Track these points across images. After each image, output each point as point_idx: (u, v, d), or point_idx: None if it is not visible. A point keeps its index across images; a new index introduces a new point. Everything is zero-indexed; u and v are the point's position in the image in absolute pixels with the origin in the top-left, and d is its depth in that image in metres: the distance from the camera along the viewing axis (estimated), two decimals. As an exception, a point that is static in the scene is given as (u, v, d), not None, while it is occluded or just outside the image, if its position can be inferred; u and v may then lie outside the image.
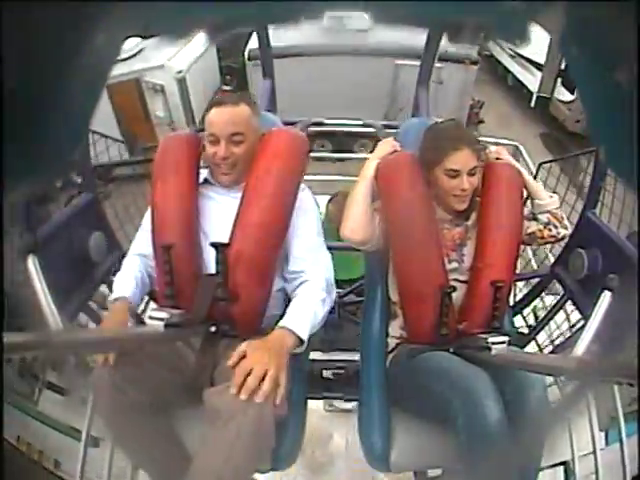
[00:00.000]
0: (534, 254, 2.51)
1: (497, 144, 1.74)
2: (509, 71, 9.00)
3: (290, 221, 1.12)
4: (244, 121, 1.10)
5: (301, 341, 1.00)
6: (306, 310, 1.05)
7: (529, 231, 1.24)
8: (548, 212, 1.23)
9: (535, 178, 2.49)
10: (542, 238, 1.25)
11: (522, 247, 1.33)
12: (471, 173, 1.13)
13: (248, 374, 0.86)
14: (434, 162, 1.15)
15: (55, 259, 1.36)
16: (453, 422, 0.95)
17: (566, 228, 1.26)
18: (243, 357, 0.90)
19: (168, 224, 1.11)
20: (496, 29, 0.24)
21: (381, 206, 1.21)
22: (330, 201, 2.24)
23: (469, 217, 1.23)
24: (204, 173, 1.19)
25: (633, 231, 1.58)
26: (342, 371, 1.93)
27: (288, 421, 1.02)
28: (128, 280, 1.13)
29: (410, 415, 1.15)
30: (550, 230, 1.23)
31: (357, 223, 1.17)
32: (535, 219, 1.25)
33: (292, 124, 1.75)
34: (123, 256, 1.68)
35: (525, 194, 1.26)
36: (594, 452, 1.36)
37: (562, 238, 1.30)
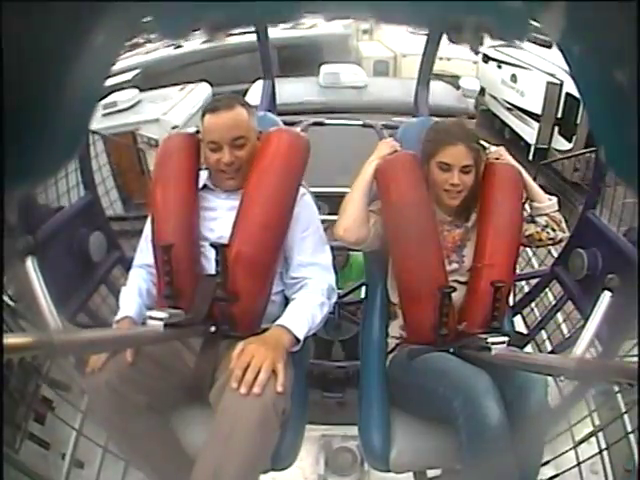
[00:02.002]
0: (534, 254, 2.52)
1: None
2: (506, 124, 8.89)
3: (290, 222, 1.12)
4: (243, 124, 1.09)
5: (297, 340, 1.01)
6: (304, 311, 1.06)
7: (527, 233, 1.24)
8: (546, 215, 1.23)
9: (535, 180, 2.49)
10: (540, 240, 1.25)
11: (521, 247, 1.33)
12: (464, 171, 1.13)
13: (246, 368, 0.88)
14: (430, 154, 1.16)
15: (55, 259, 1.36)
16: (453, 422, 0.95)
17: (564, 231, 1.26)
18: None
19: (168, 224, 1.11)
20: (496, 29, 0.24)
21: (381, 206, 1.21)
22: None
23: (469, 218, 1.23)
24: (203, 177, 1.18)
25: (631, 227, 1.58)
26: (342, 371, 1.93)
27: (288, 421, 1.02)
28: (132, 296, 1.13)
29: (410, 415, 1.15)
30: (548, 233, 1.23)
31: (351, 223, 1.17)
32: (533, 221, 1.25)
33: (292, 124, 1.75)
34: (123, 256, 1.69)
35: (524, 196, 1.26)
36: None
37: (560, 241, 1.30)
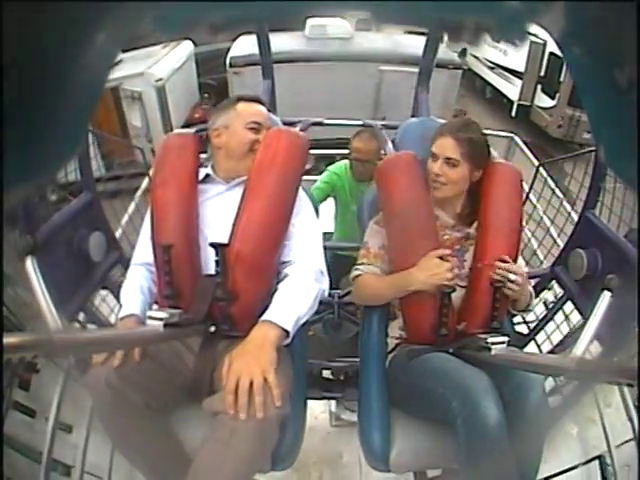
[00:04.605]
0: (534, 254, 2.51)
1: (492, 135, 1.75)
2: (488, 83, 8.91)
3: (290, 222, 1.12)
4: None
5: (286, 332, 0.99)
6: (288, 300, 1.04)
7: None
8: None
9: (534, 180, 2.50)
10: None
11: (521, 247, 1.33)
12: (448, 163, 1.14)
13: (237, 389, 0.87)
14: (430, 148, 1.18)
15: (55, 259, 1.36)
16: (452, 422, 0.95)
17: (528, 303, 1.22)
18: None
19: (168, 224, 1.11)
20: (496, 30, 0.24)
21: (381, 206, 1.21)
22: (355, 136, 2.15)
23: (472, 223, 1.22)
24: (204, 171, 1.19)
25: (631, 228, 1.58)
26: (342, 371, 1.93)
27: (288, 421, 1.02)
28: (134, 294, 1.12)
29: (410, 415, 1.15)
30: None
31: (368, 303, 1.30)
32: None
33: (292, 124, 1.75)
34: (123, 256, 1.69)
35: (524, 196, 1.26)
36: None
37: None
